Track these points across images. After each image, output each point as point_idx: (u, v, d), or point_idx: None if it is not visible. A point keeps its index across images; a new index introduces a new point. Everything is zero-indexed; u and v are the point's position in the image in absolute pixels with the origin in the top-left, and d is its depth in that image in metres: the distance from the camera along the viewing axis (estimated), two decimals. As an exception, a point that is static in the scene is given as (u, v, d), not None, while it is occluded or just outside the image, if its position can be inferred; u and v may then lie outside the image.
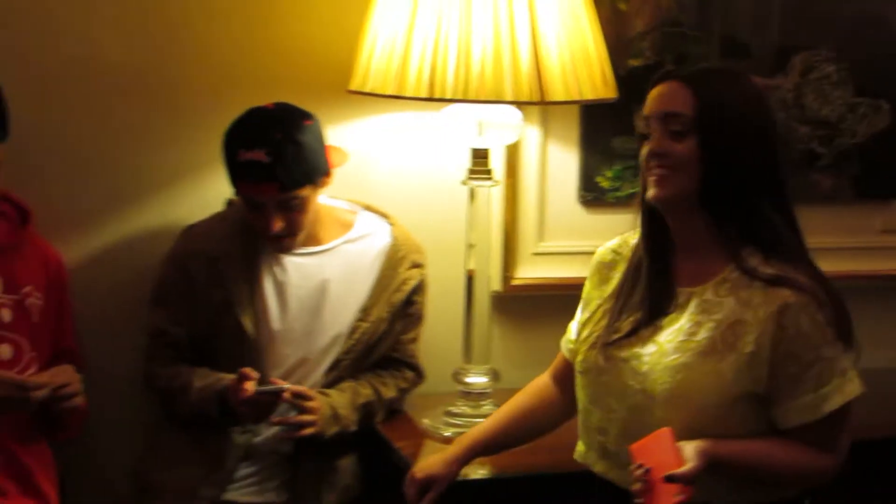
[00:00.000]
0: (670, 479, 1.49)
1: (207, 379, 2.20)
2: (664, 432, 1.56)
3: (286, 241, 2.18)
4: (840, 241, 2.66)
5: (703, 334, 1.63)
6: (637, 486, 1.55)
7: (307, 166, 2.11)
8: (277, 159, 2.06)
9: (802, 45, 2.64)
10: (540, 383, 1.97)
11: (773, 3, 2.61)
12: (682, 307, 1.68)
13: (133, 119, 2.35)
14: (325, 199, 2.23)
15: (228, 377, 2.15)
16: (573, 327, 1.89)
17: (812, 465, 1.64)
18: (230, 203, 2.32)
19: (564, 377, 1.90)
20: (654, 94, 1.69)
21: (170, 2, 2.33)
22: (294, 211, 2.13)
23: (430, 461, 1.90)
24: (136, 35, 2.32)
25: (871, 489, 2.23)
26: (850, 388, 1.61)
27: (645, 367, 1.67)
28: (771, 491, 1.67)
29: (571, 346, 1.87)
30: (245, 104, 2.16)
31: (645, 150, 1.68)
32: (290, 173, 2.08)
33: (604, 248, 1.87)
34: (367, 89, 2.15)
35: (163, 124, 2.37)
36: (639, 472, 1.54)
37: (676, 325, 1.67)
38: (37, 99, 2.26)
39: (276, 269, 2.24)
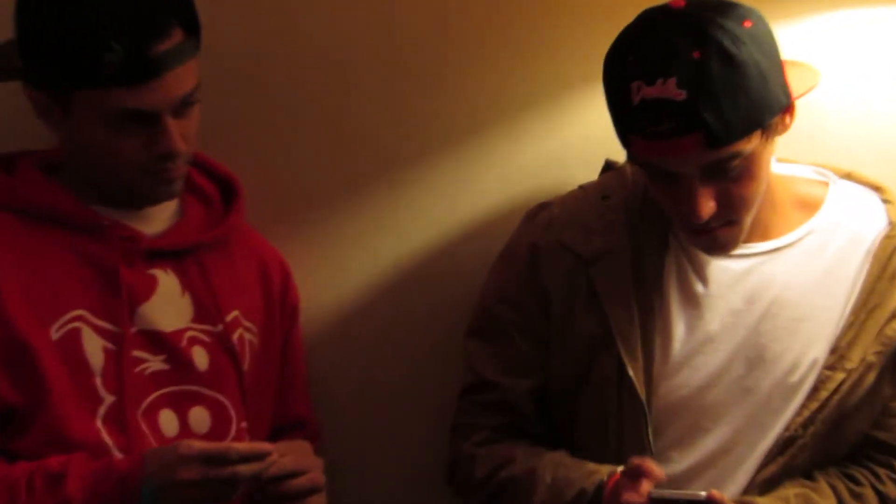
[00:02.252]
0: None
1: (569, 469, 1.60)
2: None
3: (722, 232, 1.55)
4: None
5: None
6: None
7: (752, 101, 1.47)
8: (700, 93, 1.44)
9: None
10: None
11: None
12: None
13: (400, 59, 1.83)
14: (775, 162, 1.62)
15: (606, 469, 1.55)
16: None
17: None
18: (608, 168, 1.73)
19: None
20: None
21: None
22: (732, 180, 1.50)
23: None
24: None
25: None
26: None
27: None
28: None
29: None
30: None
31: None
32: (723, 115, 1.45)
33: None
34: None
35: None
36: None
37: None
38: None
39: (693, 280, 1.62)
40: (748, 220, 1.54)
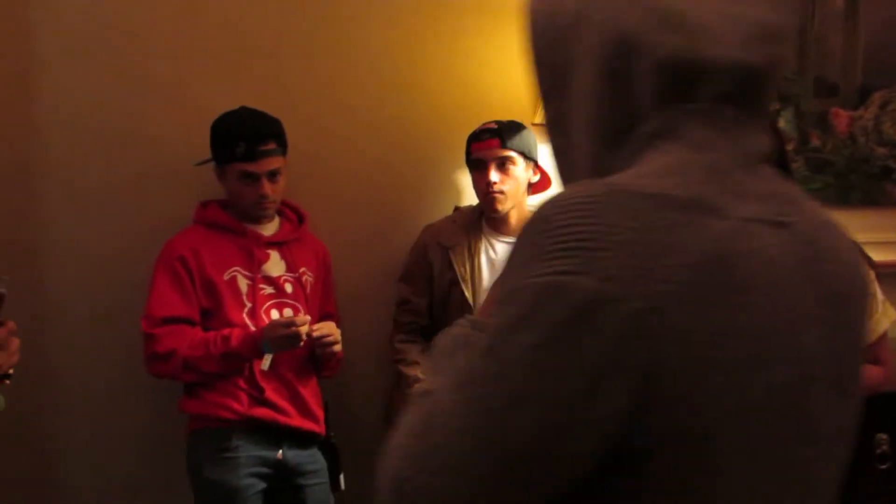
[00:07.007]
0: None
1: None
2: None
3: (501, 198, 2.74)
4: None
5: None
6: None
7: (519, 138, 2.73)
8: (502, 127, 2.72)
9: (882, 84, 3.13)
10: None
11: (858, 50, 3.08)
12: None
13: (378, 152, 3.05)
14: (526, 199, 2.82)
15: None
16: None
17: None
18: (456, 209, 2.94)
19: None
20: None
21: (410, 75, 3.07)
22: (507, 173, 2.73)
23: None
24: (386, 95, 3.06)
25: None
26: None
27: None
28: None
29: None
30: (464, 139, 2.83)
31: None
32: (511, 136, 2.71)
33: None
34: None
35: (401, 155, 3.04)
36: None
37: None
38: (309, 133, 2.91)
39: (490, 252, 2.79)
40: (514, 221, 2.71)
